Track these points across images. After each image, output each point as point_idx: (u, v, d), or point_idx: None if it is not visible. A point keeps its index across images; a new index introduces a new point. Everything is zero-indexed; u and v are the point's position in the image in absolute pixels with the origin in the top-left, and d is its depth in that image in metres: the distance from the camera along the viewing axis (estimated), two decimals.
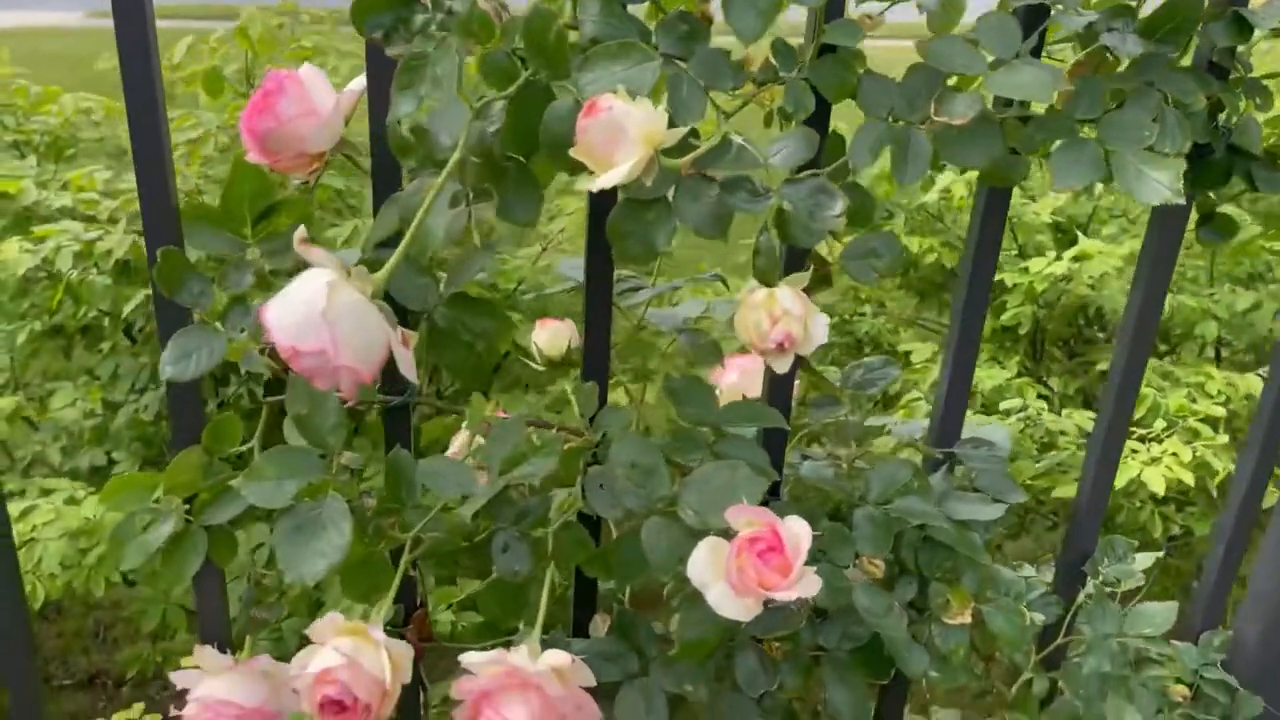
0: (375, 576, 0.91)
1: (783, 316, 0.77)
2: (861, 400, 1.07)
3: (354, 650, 0.77)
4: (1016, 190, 2.14)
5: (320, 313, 0.66)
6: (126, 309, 1.66)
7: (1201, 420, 1.76)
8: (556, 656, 0.80)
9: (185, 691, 1.00)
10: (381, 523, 0.87)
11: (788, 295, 0.78)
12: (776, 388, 1.04)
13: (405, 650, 0.79)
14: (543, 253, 1.82)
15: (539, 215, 0.83)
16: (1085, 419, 1.82)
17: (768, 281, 0.79)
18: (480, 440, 1.04)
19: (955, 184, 2.13)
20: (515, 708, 0.77)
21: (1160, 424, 1.75)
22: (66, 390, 1.95)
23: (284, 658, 0.99)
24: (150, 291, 1.78)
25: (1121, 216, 2.15)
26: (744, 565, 0.78)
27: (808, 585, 0.78)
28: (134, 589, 1.94)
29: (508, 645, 1.14)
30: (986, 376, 1.96)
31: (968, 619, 1.04)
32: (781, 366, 0.81)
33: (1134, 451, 1.76)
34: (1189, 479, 1.66)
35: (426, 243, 0.76)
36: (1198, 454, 1.68)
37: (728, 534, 0.84)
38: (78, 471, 1.92)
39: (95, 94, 2.14)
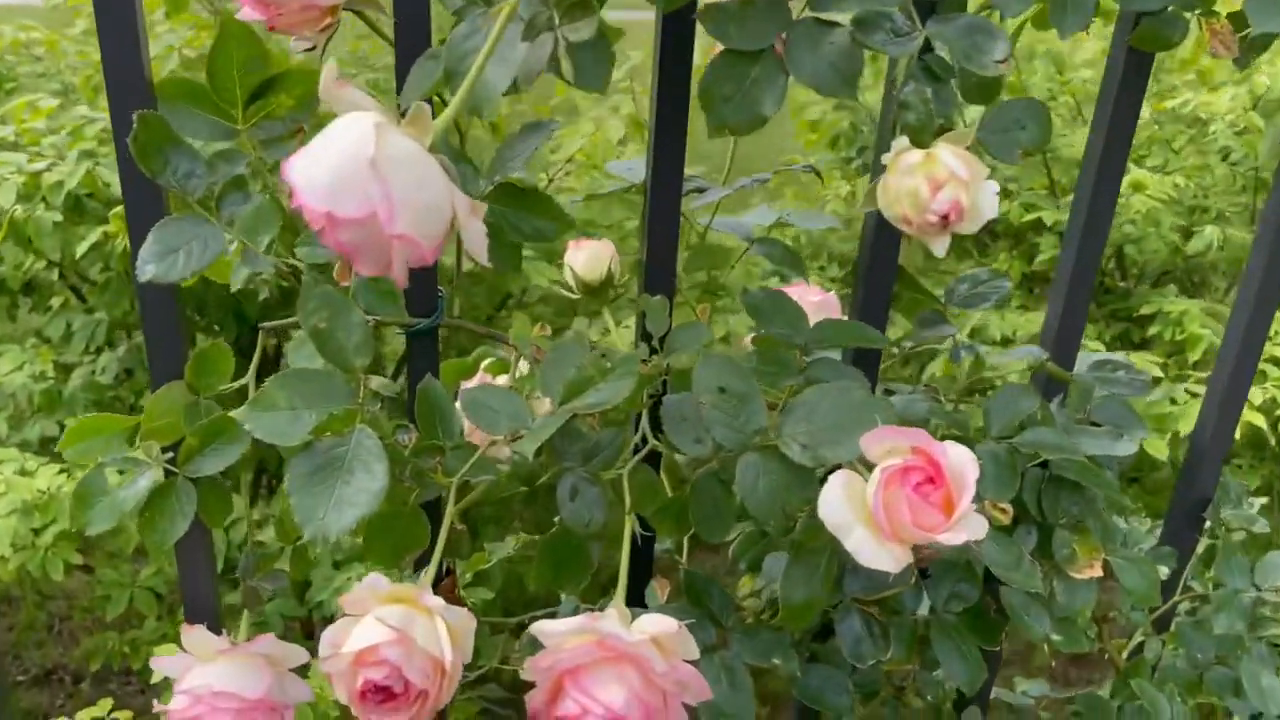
0: (409, 533, 0.74)
1: (948, 181, 0.61)
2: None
3: (404, 621, 0.59)
4: (1056, 122, 1.98)
5: (368, 162, 0.48)
6: (80, 249, 1.45)
7: (1267, 361, 1.63)
8: (657, 622, 0.63)
9: (160, 687, 0.83)
10: (422, 464, 0.70)
11: (951, 156, 0.62)
12: (870, 300, 0.88)
13: (466, 621, 0.62)
14: (549, 185, 1.63)
15: (610, 72, 0.66)
16: (1145, 360, 1.68)
17: (920, 142, 0.63)
18: (522, 372, 0.86)
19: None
20: (610, 687, 0.61)
21: None
22: (13, 353, 1.74)
23: None
24: (109, 228, 1.59)
25: (1170, 143, 2.00)
26: (894, 502, 0.62)
27: (974, 526, 0.62)
28: (93, 575, 1.74)
29: (521, 629, 0.97)
30: (1025, 322, 1.82)
31: (1098, 572, 0.88)
32: (940, 247, 0.64)
33: (1193, 395, 1.63)
34: (1260, 421, 1.53)
35: (489, 93, 0.59)
36: (1268, 394, 1.55)
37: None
38: (28, 444, 1.72)
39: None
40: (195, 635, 0.82)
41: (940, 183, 0.61)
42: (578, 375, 0.73)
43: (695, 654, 0.65)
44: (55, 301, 1.79)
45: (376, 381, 0.69)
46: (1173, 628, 1.07)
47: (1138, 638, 1.05)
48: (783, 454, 0.73)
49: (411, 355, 0.82)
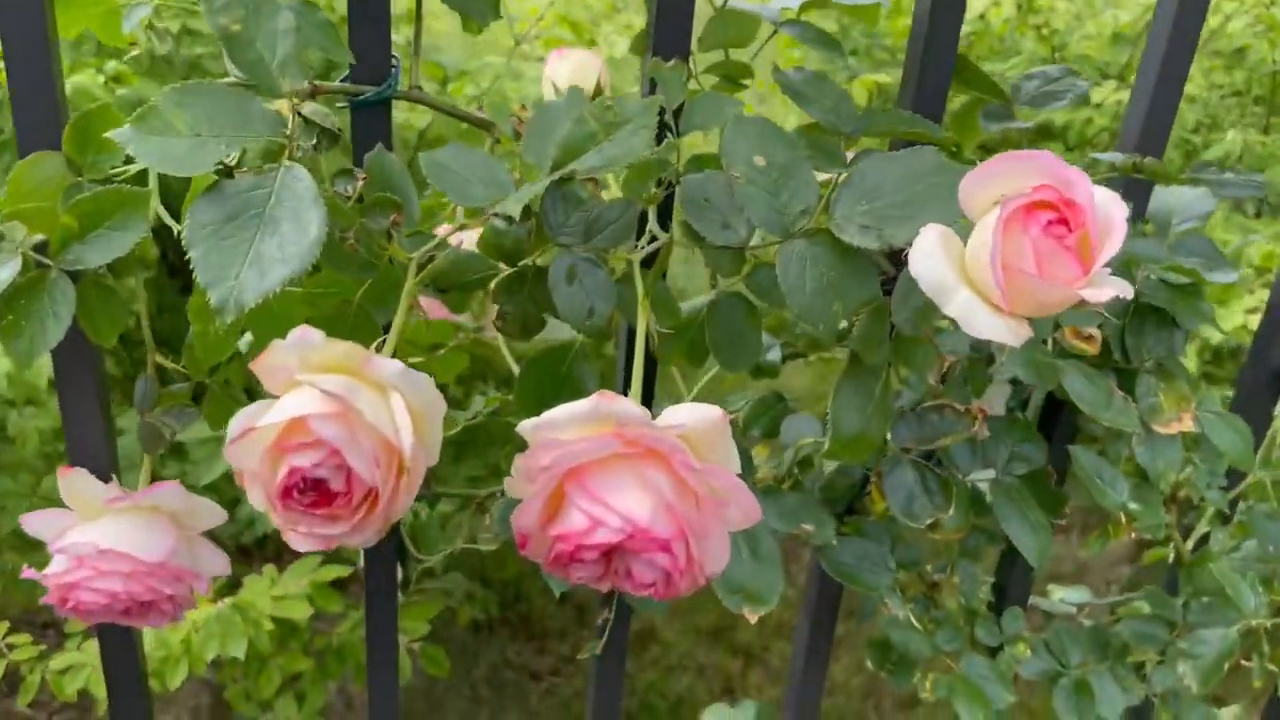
0: (360, 323, 0.57)
1: None
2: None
3: (348, 390, 0.42)
4: None
5: None
6: None
7: None
8: (693, 412, 0.46)
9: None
10: (371, 225, 0.53)
11: None
12: (925, 86, 0.72)
13: (431, 398, 0.45)
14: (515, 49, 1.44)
15: None
16: None
17: None
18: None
19: None
20: (630, 492, 0.44)
21: (1249, 272, 1.50)
22: None
23: None
24: None
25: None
26: (1016, 251, 0.46)
27: (1117, 283, 0.47)
28: None
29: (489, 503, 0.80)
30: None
31: (1188, 425, 0.73)
32: None
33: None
34: None
35: None
36: None
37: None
38: None
39: None
40: (76, 480, 0.65)
41: None
42: (576, 130, 0.56)
43: (738, 464, 0.48)
44: None
45: (310, 109, 0.52)
46: (1239, 515, 0.92)
47: (1203, 527, 0.91)
48: (837, 240, 0.57)
49: (357, 130, 0.64)
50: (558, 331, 0.70)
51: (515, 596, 2.11)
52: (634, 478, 0.45)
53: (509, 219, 0.52)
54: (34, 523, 0.65)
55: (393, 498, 0.43)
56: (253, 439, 0.43)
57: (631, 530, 0.44)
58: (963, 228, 0.52)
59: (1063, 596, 1.01)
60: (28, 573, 0.65)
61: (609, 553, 0.47)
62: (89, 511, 0.65)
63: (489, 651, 2.04)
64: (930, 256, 0.48)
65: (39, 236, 0.60)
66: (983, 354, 0.73)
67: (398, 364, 0.43)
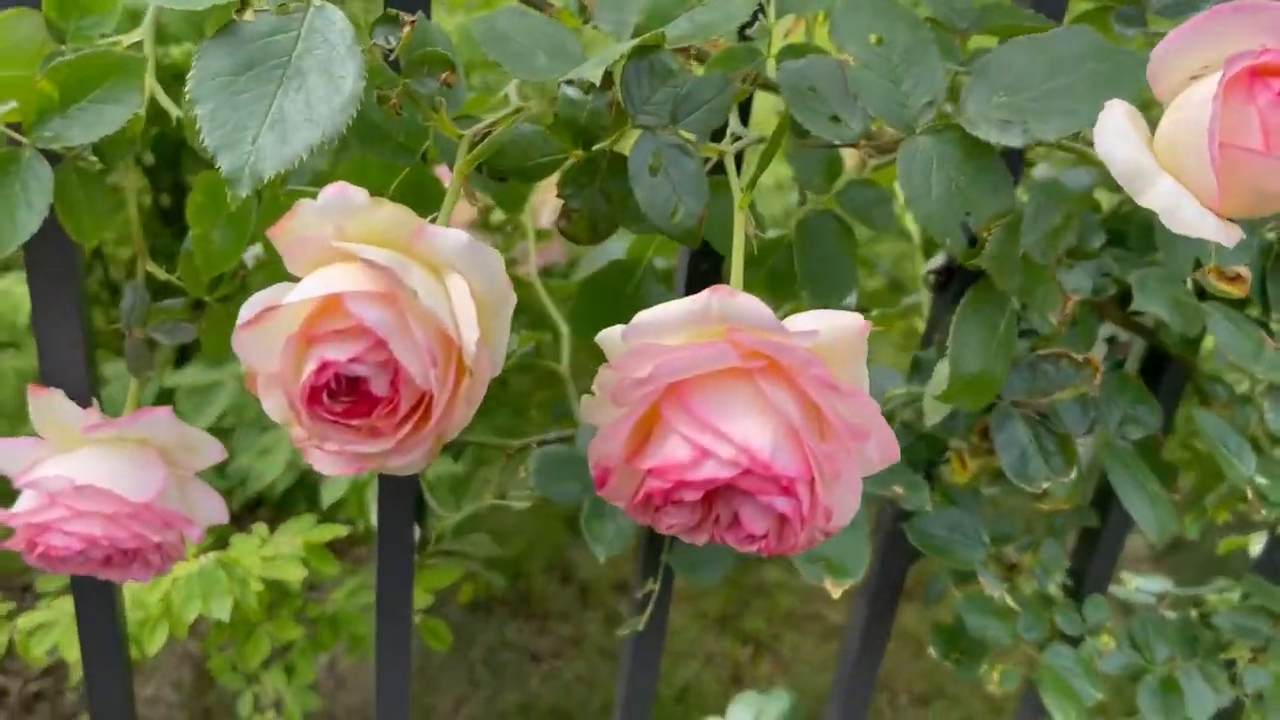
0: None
1: None
2: None
3: (399, 265, 0.32)
4: None
5: None
6: None
7: None
8: (827, 318, 0.37)
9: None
10: (417, 87, 0.43)
11: None
12: None
13: (501, 283, 0.35)
14: None
15: None
16: None
17: None
18: None
19: None
20: (747, 418, 0.35)
21: None
22: None
23: None
24: None
25: None
26: (1239, 125, 0.36)
27: None
28: None
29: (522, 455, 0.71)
30: None
31: None
32: None
33: None
34: None
35: None
36: None
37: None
38: None
39: None
40: (50, 402, 0.55)
41: None
42: None
43: (865, 383, 0.39)
44: None
45: None
46: None
47: None
48: (969, 136, 0.48)
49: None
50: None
51: (515, 574, 2.02)
52: (752, 398, 0.36)
53: (589, 86, 0.43)
54: (4, 452, 0.56)
55: (449, 408, 0.34)
56: (273, 323, 0.33)
57: (748, 464, 0.35)
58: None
59: (1140, 585, 0.92)
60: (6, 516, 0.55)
61: (714, 493, 0.37)
62: (65, 441, 0.55)
63: (487, 631, 1.95)
64: (1123, 136, 0.38)
65: (10, 104, 0.50)
66: (1103, 296, 0.63)
67: (460, 234, 0.33)
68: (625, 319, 0.55)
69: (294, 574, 1.01)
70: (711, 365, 0.35)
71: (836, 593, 0.58)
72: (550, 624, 2.01)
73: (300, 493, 1.24)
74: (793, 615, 2.07)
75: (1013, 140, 0.47)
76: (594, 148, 0.46)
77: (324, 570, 1.05)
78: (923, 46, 0.49)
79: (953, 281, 0.66)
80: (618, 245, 0.68)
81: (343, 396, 0.33)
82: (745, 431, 0.35)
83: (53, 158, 0.51)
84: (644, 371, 0.35)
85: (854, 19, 0.49)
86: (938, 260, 0.68)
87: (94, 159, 0.53)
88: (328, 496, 1.07)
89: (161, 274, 0.58)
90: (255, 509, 1.45)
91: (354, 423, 0.33)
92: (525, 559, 2.02)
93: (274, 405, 0.35)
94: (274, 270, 0.61)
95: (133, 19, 0.57)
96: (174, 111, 0.57)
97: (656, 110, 0.46)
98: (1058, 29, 0.49)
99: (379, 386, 0.33)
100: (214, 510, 0.59)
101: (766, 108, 0.67)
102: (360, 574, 1.20)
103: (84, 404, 0.55)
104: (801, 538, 0.38)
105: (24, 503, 0.54)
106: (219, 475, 1.23)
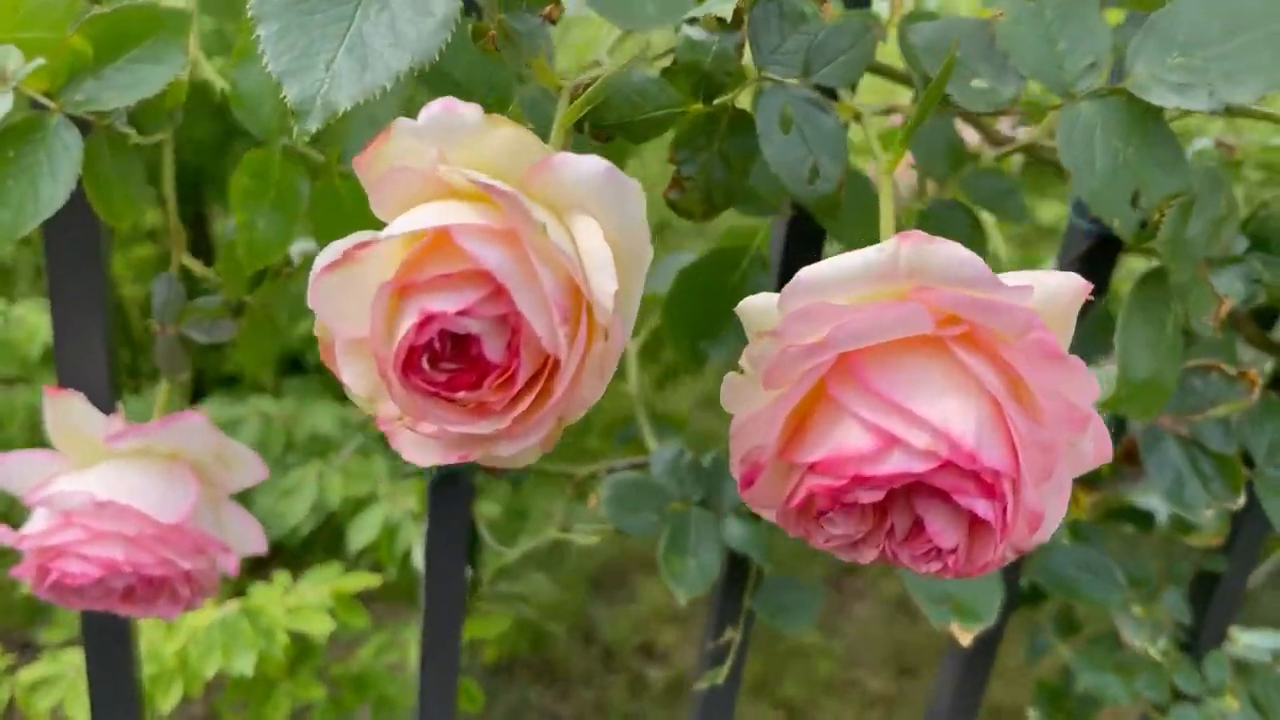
0: None
1: None
2: None
3: (523, 198, 0.26)
4: None
5: None
6: None
7: None
8: (1048, 278, 0.30)
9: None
10: (517, 24, 0.36)
11: None
12: None
13: (636, 228, 0.28)
14: None
15: None
16: None
17: None
18: None
19: None
20: (944, 400, 0.28)
21: None
22: None
23: None
24: None
25: None
26: None
27: None
28: None
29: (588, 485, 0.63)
30: None
31: None
32: None
33: None
34: None
35: None
36: None
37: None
38: None
39: None
40: (69, 407, 0.48)
41: None
42: None
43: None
44: None
45: None
46: None
47: None
48: (1137, 102, 0.42)
49: None
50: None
51: (536, 635, 1.93)
52: (947, 374, 0.29)
53: (719, 21, 0.36)
54: (8, 470, 0.48)
55: (576, 380, 0.27)
56: (362, 267, 0.26)
57: (948, 454, 0.28)
58: None
59: (1252, 640, 0.84)
60: (4, 536, 0.47)
61: (893, 495, 0.30)
62: (84, 455, 0.48)
63: (508, 693, 1.85)
64: None
65: (36, 61, 0.44)
66: (1253, 303, 0.56)
67: (598, 160, 0.27)
68: (726, 315, 0.48)
69: (320, 626, 0.93)
70: (901, 331, 0.28)
71: (966, 639, 0.50)
72: (573, 688, 1.91)
73: (321, 539, 1.16)
74: (832, 683, 1.97)
75: (1198, 104, 0.41)
76: (716, 101, 0.39)
77: (353, 623, 0.97)
78: (1081, 2, 0.43)
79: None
80: (686, 256, 0.61)
81: (447, 362, 0.27)
82: (944, 414, 0.28)
83: (82, 127, 0.45)
84: (817, 336, 0.28)
85: None
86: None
87: (127, 129, 0.47)
88: (356, 540, 0.99)
89: (199, 268, 0.51)
90: (273, 557, 1.37)
91: (459, 395, 0.26)
92: (548, 618, 1.93)
93: (356, 375, 0.28)
94: None
95: None
96: (218, 83, 0.51)
97: (787, 60, 0.39)
98: None
99: (493, 349, 0.26)
100: (251, 538, 0.51)
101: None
102: (388, 629, 1.12)
103: (105, 409, 0.48)
104: (998, 553, 0.30)
105: (35, 522, 0.46)
106: None
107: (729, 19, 0.36)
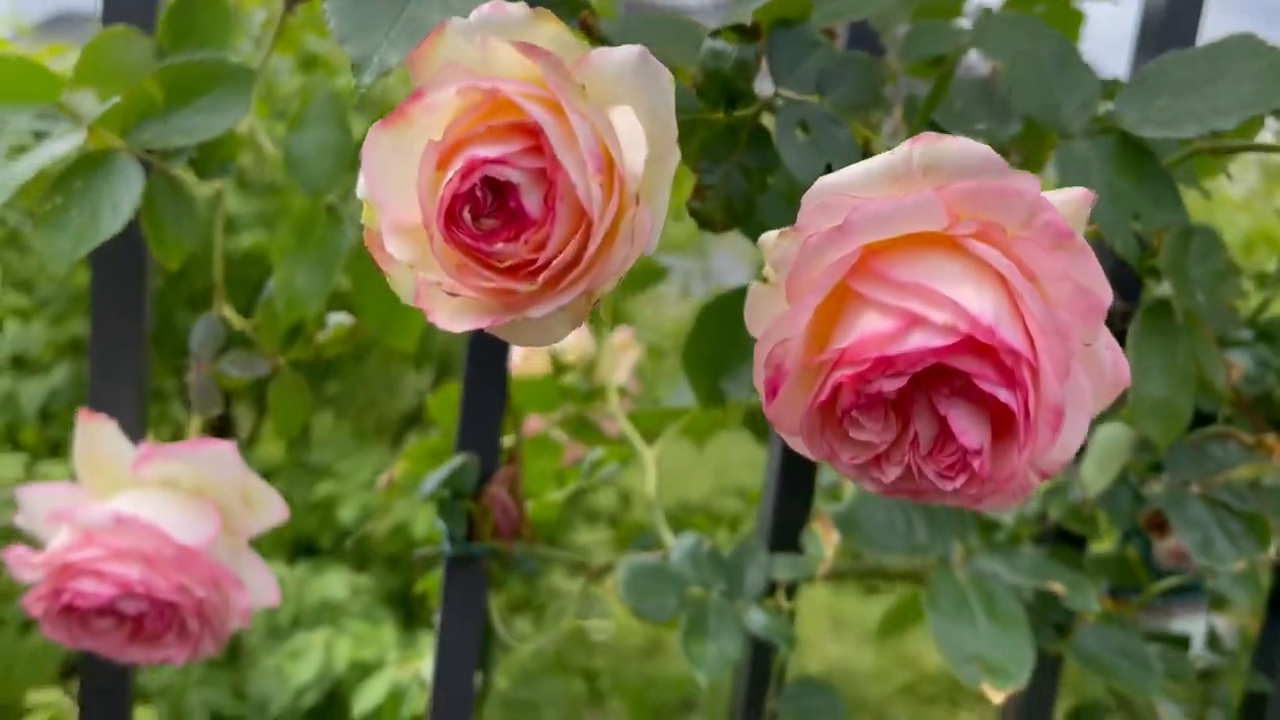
0: None
1: None
2: None
3: (562, 76, 0.28)
4: None
5: None
6: None
7: None
8: (1065, 191, 0.32)
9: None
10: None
11: None
12: None
13: (665, 117, 0.30)
14: None
15: None
16: None
17: None
18: None
19: None
20: (964, 286, 0.29)
21: None
22: None
23: None
24: None
25: None
26: None
27: None
28: None
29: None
30: None
31: None
32: None
33: None
34: None
35: None
36: None
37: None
38: None
39: None
40: (100, 434, 0.49)
41: None
42: None
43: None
44: None
45: None
46: None
47: None
48: (1129, 140, 0.45)
49: None
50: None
51: None
52: (963, 267, 0.30)
53: (738, 29, 0.40)
54: (33, 500, 0.49)
55: (606, 244, 0.28)
56: (412, 129, 0.28)
57: (968, 329, 0.29)
58: None
59: None
60: (19, 556, 0.47)
61: (913, 395, 0.31)
62: (109, 483, 0.49)
63: None
64: None
65: (114, 100, 0.48)
66: (1260, 386, 0.57)
67: (632, 48, 0.29)
68: (745, 351, 0.49)
69: None
70: (918, 217, 0.30)
71: (997, 698, 0.48)
72: None
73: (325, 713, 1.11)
74: None
75: (1187, 132, 0.44)
76: (736, 113, 0.42)
77: None
78: (1072, 57, 0.47)
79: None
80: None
81: (487, 218, 0.28)
82: (962, 296, 0.29)
83: (145, 169, 0.48)
84: (835, 221, 0.30)
85: (1004, 32, 0.47)
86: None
87: (185, 171, 0.50)
88: (362, 703, 0.96)
89: (237, 320, 0.53)
90: None
91: (496, 247, 0.28)
92: None
93: (400, 245, 0.29)
94: (349, 338, 0.56)
95: None
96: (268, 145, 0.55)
97: (802, 79, 0.43)
98: (1210, 43, 0.47)
99: (531, 202, 0.28)
100: (266, 588, 0.51)
101: None
102: None
103: (136, 436, 0.49)
104: (1024, 456, 0.30)
105: (59, 538, 0.46)
106: (238, 698, 1.11)
107: (748, 22, 0.40)
